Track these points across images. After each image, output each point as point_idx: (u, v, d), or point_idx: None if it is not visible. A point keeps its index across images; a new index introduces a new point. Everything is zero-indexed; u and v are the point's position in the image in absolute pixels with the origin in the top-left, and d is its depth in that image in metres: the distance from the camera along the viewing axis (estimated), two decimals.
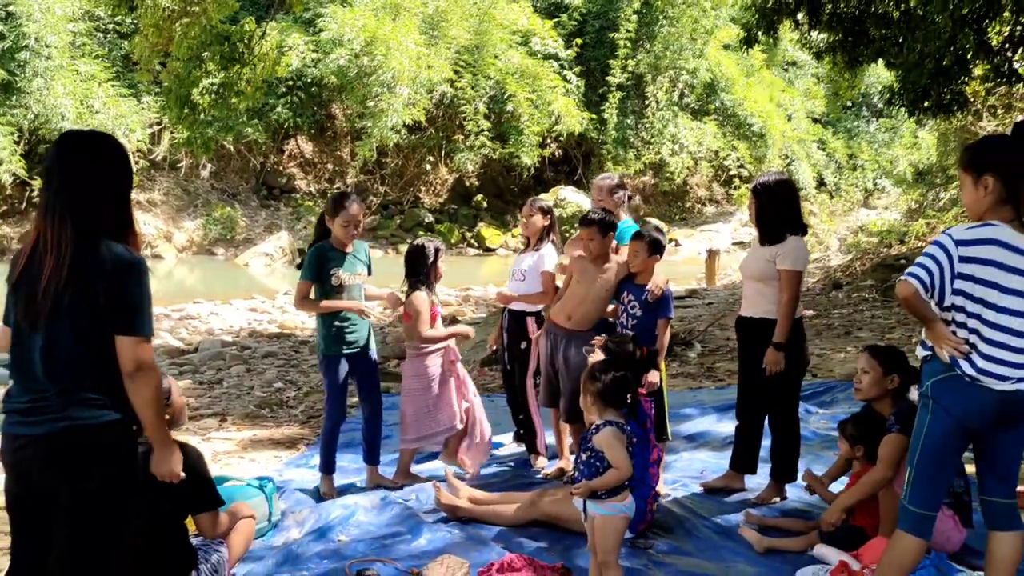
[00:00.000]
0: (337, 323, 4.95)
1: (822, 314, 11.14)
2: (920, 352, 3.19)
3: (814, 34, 15.08)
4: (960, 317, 3.07)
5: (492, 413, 5.98)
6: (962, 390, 3.05)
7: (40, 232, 2.70)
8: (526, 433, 5.59)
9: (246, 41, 11.76)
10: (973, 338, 3.05)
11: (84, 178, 2.72)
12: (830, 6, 13.25)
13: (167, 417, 3.70)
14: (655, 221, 23.73)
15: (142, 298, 2.68)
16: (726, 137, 29.89)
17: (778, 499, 4.65)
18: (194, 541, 3.79)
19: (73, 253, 2.65)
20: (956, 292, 3.04)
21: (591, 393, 3.49)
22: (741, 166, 29.23)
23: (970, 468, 3.48)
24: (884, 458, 3.80)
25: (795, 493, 4.68)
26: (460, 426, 5.22)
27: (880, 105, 30.63)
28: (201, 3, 11.51)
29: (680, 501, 4.62)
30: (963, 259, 3.01)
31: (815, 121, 34.37)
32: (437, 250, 5.24)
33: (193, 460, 3.71)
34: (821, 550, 3.82)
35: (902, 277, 3.00)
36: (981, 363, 3.03)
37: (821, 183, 32.42)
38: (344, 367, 5.01)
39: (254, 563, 4.02)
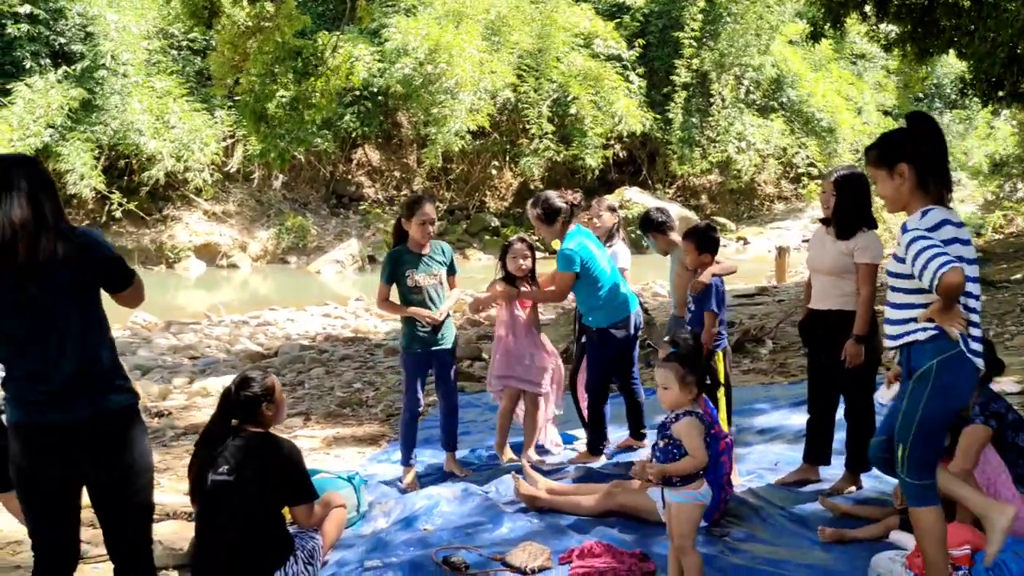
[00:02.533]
0: (413, 322, 5.17)
1: None
2: (924, 334, 3.24)
3: (882, 26, 14.89)
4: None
5: (567, 410, 6.15)
6: (963, 368, 3.20)
7: None
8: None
9: (318, 55, 12.14)
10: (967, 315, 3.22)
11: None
12: None
13: (269, 413, 3.94)
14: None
15: None
16: (794, 133, 29.52)
17: (854, 488, 4.69)
18: (291, 529, 4.01)
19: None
20: None
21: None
22: (811, 164, 28.79)
23: None
24: (964, 449, 3.81)
25: (870, 482, 4.72)
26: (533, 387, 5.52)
27: (953, 96, 29.97)
28: (274, 19, 11.92)
29: (755, 491, 4.70)
30: (943, 242, 3.16)
31: (886, 114, 33.69)
32: (505, 246, 5.64)
33: (289, 454, 3.93)
34: (897, 536, 3.87)
35: (952, 265, 3.04)
36: (972, 343, 3.21)
37: None
38: (419, 363, 5.24)
39: (346, 550, 4.23)
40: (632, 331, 5.47)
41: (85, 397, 2.90)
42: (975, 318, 3.24)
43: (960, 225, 3.24)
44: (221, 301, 16.22)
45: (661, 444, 3.59)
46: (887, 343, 3.41)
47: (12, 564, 4.30)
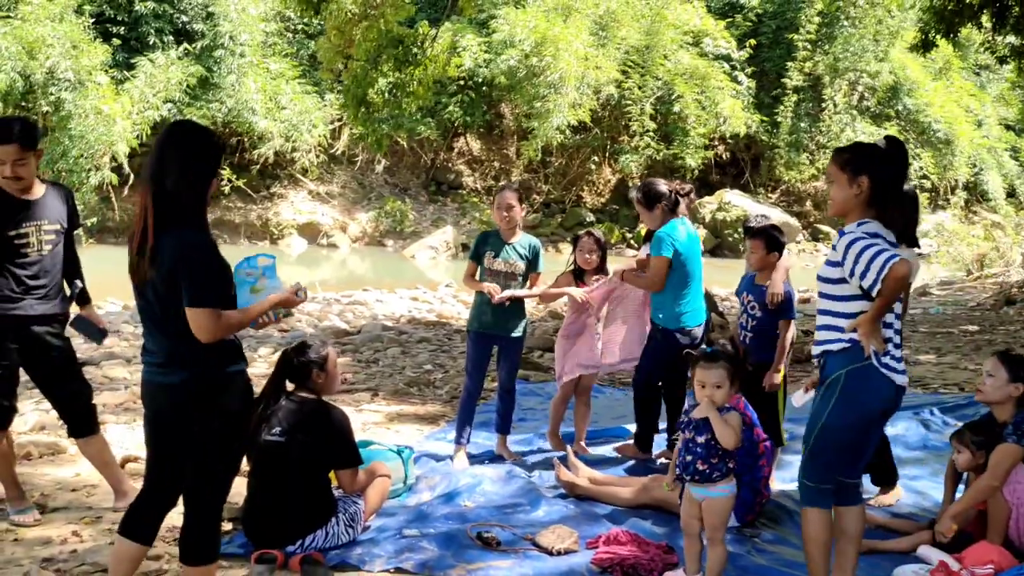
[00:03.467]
0: (476, 302, 5.42)
1: (986, 330, 10.69)
2: (836, 345, 3.32)
3: (999, 37, 14.36)
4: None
5: (624, 403, 6.23)
6: (871, 379, 3.26)
7: None
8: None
9: (419, 44, 12.43)
10: (886, 332, 3.29)
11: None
12: (1018, 8, 12.60)
13: (319, 381, 4.19)
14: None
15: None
16: (909, 143, 28.56)
17: (893, 501, 4.67)
18: (336, 493, 4.25)
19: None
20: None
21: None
22: (924, 176, 27.80)
23: None
24: (994, 466, 3.82)
25: (911, 497, 4.69)
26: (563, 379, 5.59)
27: None
28: (380, 7, 12.26)
29: (793, 496, 4.70)
30: None
31: (1008, 128, 32.31)
32: (575, 239, 5.77)
33: (338, 421, 4.17)
34: (924, 551, 3.86)
35: (900, 258, 3.16)
36: (889, 359, 3.28)
37: (1011, 194, 30.52)
38: (480, 344, 5.43)
39: (387, 518, 4.44)
40: (695, 341, 5.33)
41: (178, 367, 3.12)
42: (891, 335, 3.31)
43: (894, 245, 3.33)
44: (318, 279, 16.78)
45: (701, 440, 3.65)
46: (813, 350, 3.48)
47: (85, 504, 4.67)
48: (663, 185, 5.39)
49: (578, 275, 5.68)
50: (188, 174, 3.07)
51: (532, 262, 5.46)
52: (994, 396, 4.02)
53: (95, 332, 4.48)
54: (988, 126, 30.78)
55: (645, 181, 5.52)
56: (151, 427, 3.26)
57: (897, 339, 3.34)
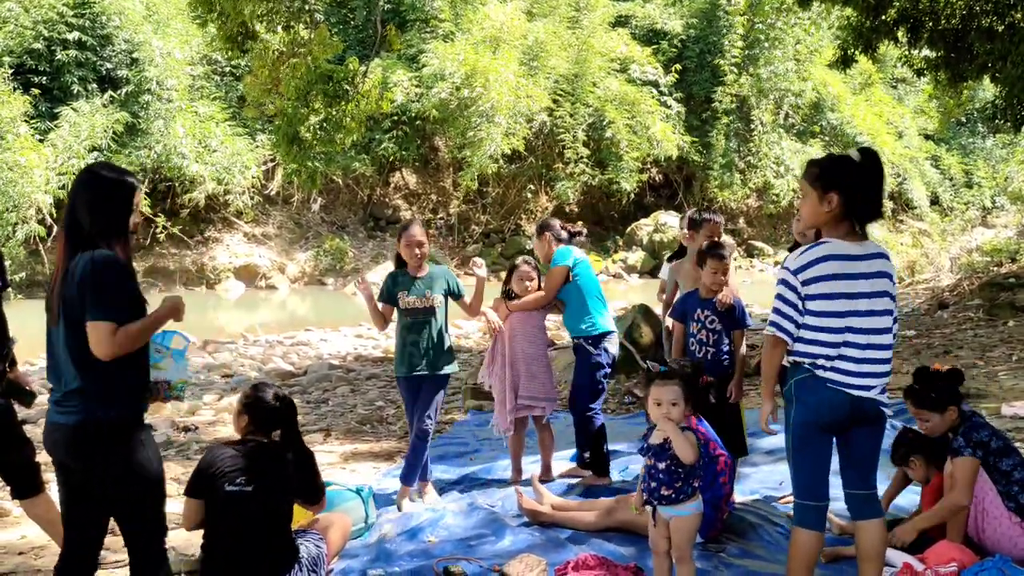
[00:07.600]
0: (400, 345, 5.22)
1: (923, 334, 10.95)
2: (787, 359, 3.44)
3: (915, 51, 14.83)
4: (809, 335, 3.32)
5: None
6: (819, 390, 3.30)
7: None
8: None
9: (350, 79, 12.41)
10: (827, 350, 3.30)
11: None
12: (931, 23, 13.06)
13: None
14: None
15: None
16: None
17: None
18: (296, 537, 4.12)
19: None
20: (807, 312, 3.31)
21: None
22: None
23: None
24: (960, 481, 3.88)
25: None
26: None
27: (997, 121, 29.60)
28: (307, 45, 12.23)
29: (755, 509, 4.74)
30: (805, 282, 3.30)
31: (927, 138, 33.42)
32: (512, 267, 5.77)
33: (300, 462, 4.04)
34: (888, 553, 3.89)
35: (772, 334, 3.37)
36: (832, 375, 3.29)
37: (934, 202, 31.49)
38: (405, 387, 5.25)
39: (351, 559, 4.34)
40: (609, 353, 5.44)
41: (78, 405, 3.08)
42: (840, 349, 3.29)
43: (852, 259, 3.28)
44: (259, 322, 16.51)
45: (663, 466, 3.61)
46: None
47: (34, 568, 4.48)
48: (556, 222, 5.67)
49: (511, 299, 5.65)
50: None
51: (455, 292, 5.31)
52: (940, 430, 4.10)
53: (25, 394, 4.29)
54: (908, 137, 31.78)
55: (544, 219, 5.72)
56: (59, 470, 3.20)
57: (851, 352, 3.28)
